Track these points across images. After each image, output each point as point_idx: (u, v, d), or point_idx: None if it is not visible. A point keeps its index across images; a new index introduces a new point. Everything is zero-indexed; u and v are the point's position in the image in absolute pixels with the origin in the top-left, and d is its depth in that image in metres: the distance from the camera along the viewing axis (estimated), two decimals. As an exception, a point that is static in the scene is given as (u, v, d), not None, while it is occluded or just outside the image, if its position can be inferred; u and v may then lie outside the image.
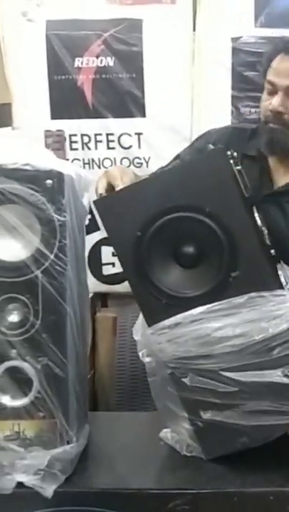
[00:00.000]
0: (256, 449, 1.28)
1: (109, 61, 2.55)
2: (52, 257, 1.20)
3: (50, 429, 1.24)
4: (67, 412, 1.24)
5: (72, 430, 1.25)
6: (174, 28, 2.54)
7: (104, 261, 2.66)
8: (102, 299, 2.74)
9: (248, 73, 2.51)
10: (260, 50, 2.49)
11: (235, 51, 2.51)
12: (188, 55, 2.54)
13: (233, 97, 2.53)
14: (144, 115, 2.57)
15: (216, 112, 2.53)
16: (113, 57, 2.54)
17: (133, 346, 2.62)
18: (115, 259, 2.68)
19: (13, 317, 1.22)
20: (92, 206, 1.34)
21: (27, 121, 2.56)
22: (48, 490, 1.19)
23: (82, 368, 1.34)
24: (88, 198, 1.36)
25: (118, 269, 2.68)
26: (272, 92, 1.59)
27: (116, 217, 1.28)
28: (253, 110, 2.52)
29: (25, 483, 1.20)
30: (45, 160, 1.23)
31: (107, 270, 2.67)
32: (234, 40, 2.51)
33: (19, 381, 1.23)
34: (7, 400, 1.24)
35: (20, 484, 1.21)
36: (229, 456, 1.29)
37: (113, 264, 2.68)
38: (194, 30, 2.54)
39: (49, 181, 1.18)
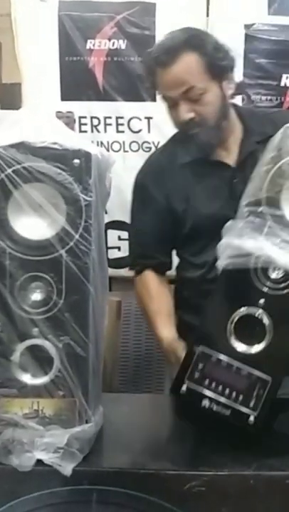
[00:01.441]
0: (273, 434, 1.29)
1: (121, 44, 2.54)
2: (77, 236, 1.20)
3: (69, 408, 1.24)
4: (87, 392, 1.24)
5: (91, 409, 1.26)
6: (187, 13, 2.53)
7: (109, 245, 2.65)
8: (106, 283, 2.74)
9: (260, 60, 2.52)
10: (272, 38, 2.50)
11: (248, 38, 2.51)
12: (201, 40, 2.53)
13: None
14: (154, 99, 2.55)
15: (227, 99, 2.53)
16: (125, 40, 2.54)
17: (136, 330, 2.64)
18: (121, 243, 2.69)
19: (37, 296, 1.22)
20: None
21: (37, 102, 2.55)
22: (67, 468, 1.20)
23: (100, 348, 1.34)
24: (109, 179, 1.35)
25: (123, 253, 2.69)
26: (173, 105, 1.63)
27: None
28: (263, 98, 2.53)
29: (44, 460, 1.20)
30: (71, 139, 1.23)
31: (113, 254, 2.67)
32: (247, 27, 2.51)
33: (40, 360, 1.23)
34: (27, 378, 1.24)
35: (39, 462, 1.21)
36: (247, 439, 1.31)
37: (119, 248, 2.69)
38: (207, 15, 2.53)
39: (76, 161, 1.18)
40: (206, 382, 1.28)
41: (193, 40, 1.61)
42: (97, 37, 2.54)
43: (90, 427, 1.25)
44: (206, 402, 1.28)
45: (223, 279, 1.30)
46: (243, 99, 2.52)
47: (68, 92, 2.57)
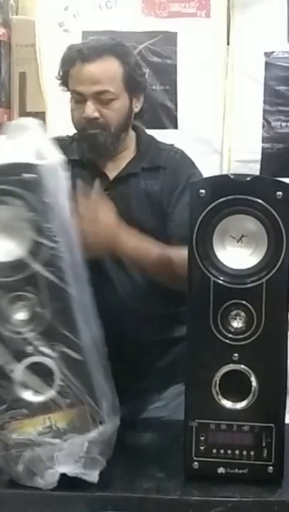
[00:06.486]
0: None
1: (144, 73, 2.56)
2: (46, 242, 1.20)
3: (80, 415, 1.23)
4: (93, 393, 1.24)
5: (102, 410, 1.24)
6: (208, 42, 2.56)
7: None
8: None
9: (279, 87, 2.53)
10: (292, 65, 2.51)
11: (268, 65, 2.52)
12: (222, 68, 2.56)
13: (264, 110, 2.53)
14: (176, 127, 2.58)
15: (247, 125, 2.54)
16: (147, 69, 2.55)
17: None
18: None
19: (22, 314, 1.22)
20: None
21: (60, 131, 2.57)
22: (92, 475, 1.20)
23: (101, 348, 1.33)
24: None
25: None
26: (81, 101, 1.64)
27: None
28: (284, 124, 2.54)
29: (68, 473, 1.20)
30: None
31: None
32: (267, 54, 2.53)
33: (41, 374, 1.23)
34: (33, 396, 1.23)
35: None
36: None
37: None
38: (228, 44, 2.56)
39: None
40: (214, 451, 1.27)
41: (119, 48, 1.66)
42: (120, 66, 2.56)
43: (105, 427, 1.24)
44: (221, 470, 1.27)
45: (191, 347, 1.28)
46: (263, 126, 2.52)
47: (91, 120, 2.59)
